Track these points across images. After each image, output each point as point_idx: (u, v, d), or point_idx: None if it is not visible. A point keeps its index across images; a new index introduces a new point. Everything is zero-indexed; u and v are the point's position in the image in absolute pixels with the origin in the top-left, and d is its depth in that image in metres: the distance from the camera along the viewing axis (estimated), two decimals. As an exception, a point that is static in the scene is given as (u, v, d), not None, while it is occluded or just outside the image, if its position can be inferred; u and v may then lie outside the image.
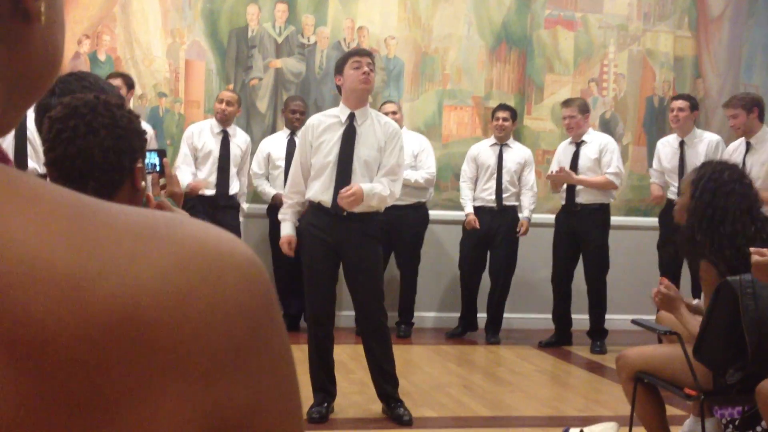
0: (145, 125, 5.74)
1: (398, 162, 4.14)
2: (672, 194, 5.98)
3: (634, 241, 6.43)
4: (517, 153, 6.27)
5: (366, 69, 4.04)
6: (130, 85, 5.53)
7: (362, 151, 4.07)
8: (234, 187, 5.93)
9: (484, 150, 6.30)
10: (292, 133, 6.10)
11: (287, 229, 4.19)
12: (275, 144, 6.18)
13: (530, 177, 6.26)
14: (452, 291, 6.57)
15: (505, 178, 6.19)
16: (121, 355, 0.46)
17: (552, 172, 6.19)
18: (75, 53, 6.17)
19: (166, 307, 0.48)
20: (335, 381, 4.23)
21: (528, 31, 6.91)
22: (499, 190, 6.18)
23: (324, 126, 4.12)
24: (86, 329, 0.46)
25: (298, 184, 4.18)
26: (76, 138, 1.73)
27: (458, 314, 6.38)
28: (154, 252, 0.49)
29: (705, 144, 5.96)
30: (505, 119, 6.22)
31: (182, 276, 0.49)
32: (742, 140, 5.63)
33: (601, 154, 6.06)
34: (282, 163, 6.07)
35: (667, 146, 6.14)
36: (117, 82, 5.46)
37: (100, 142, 1.74)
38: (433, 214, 6.35)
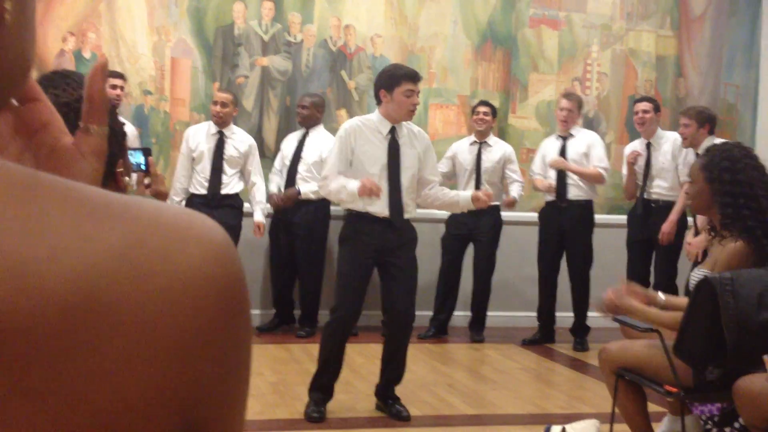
0: (126, 125, 5.69)
1: (435, 167, 4.46)
2: (644, 194, 6.08)
3: (616, 239, 6.49)
4: (496, 151, 6.28)
5: (417, 100, 4.22)
6: (119, 77, 5.57)
7: (407, 162, 4.24)
8: (234, 188, 5.94)
9: (463, 149, 6.32)
10: (305, 134, 6.13)
11: (353, 183, 4.10)
12: (288, 142, 6.22)
13: (514, 171, 6.27)
14: (435, 290, 6.60)
15: (484, 177, 6.21)
16: (80, 339, 0.45)
17: (533, 172, 6.24)
18: (60, 51, 6.16)
19: (125, 287, 0.46)
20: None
21: (513, 31, 6.95)
22: (477, 190, 6.18)
23: (366, 134, 4.21)
24: (41, 315, 0.44)
25: (338, 170, 4.19)
26: None
27: (443, 314, 6.39)
28: (109, 231, 0.47)
29: (670, 143, 6.05)
30: (485, 113, 6.26)
31: (140, 254, 0.47)
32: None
33: (589, 148, 6.13)
34: (288, 162, 6.10)
35: (632, 149, 6.22)
36: (118, 81, 5.47)
37: None
38: (418, 212, 6.36)
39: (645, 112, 6.04)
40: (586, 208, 6.14)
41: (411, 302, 4.27)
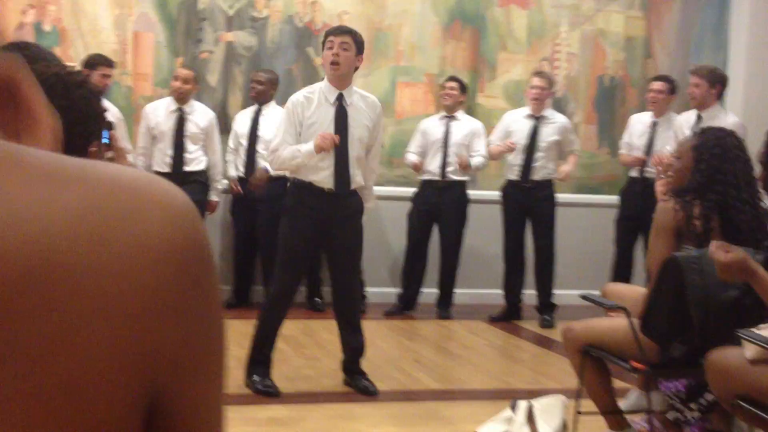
0: (108, 106, 5.63)
1: (380, 140, 4.36)
2: (636, 173, 6.06)
3: (584, 218, 6.51)
4: (465, 125, 6.24)
5: (336, 50, 4.03)
6: (110, 66, 5.48)
7: (356, 131, 4.11)
8: (199, 164, 5.89)
9: (433, 124, 6.28)
10: (258, 111, 6.04)
11: (307, 144, 4.03)
12: (240, 120, 6.13)
13: (481, 145, 6.20)
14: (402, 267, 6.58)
15: (452, 150, 6.15)
16: (38, 301, 0.45)
17: (493, 141, 6.19)
18: (19, 23, 6.00)
19: (84, 251, 0.46)
20: None
21: (481, 9, 6.91)
22: (444, 164, 6.16)
23: (313, 105, 4.10)
24: (1, 279, 0.44)
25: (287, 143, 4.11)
26: None
27: (410, 291, 6.37)
28: (66, 194, 0.47)
29: (677, 126, 5.99)
30: (452, 88, 6.21)
31: (98, 217, 0.47)
32: (693, 112, 5.67)
33: (564, 135, 6.15)
34: (245, 141, 6.02)
35: (638, 123, 6.18)
36: (107, 70, 5.39)
37: None
38: (385, 190, 6.34)
39: (659, 92, 6.00)
40: (548, 186, 6.15)
41: (356, 275, 4.24)
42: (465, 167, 6.10)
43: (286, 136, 4.10)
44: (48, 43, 5.89)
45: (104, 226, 0.47)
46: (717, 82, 5.56)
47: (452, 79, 6.32)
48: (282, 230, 4.18)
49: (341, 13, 6.63)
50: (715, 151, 3.23)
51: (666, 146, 5.75)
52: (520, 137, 6.12)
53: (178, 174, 5.73)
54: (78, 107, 1.67)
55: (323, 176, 4.07)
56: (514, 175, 6.16)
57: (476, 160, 6.15)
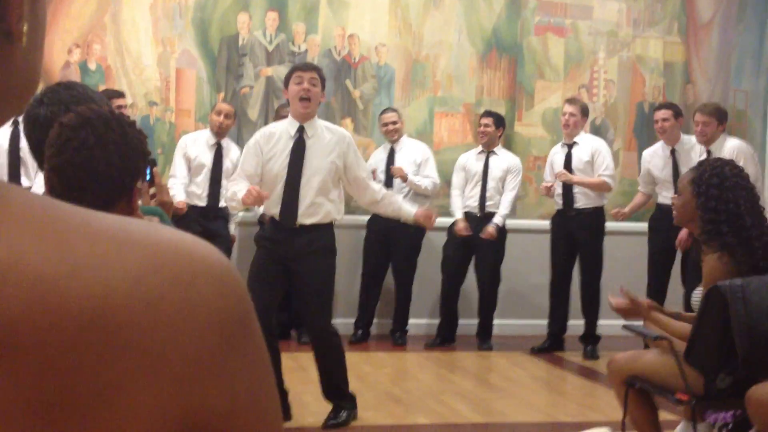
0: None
1: (363, 166, 4.22)
2: (665, 199, 6.00)
3: (625, 247, 6.44)
4: (503, 160, 6.26)
5: (306, 86, 3.99)
6: (122, 97, 5.55)
7: (314, 162, 4.03)
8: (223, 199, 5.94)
9: (472, 158, 6.31)
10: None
11: (242, 191, 3.95)
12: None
13: (511, 182, 6.21)
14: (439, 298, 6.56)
15: (490, 184, 6.18)
16: (92, 356, 0.46)
17: (545, 179, 6.21)
18: (65, 62, 6.16)
19: (138, 310, 0.48)
20: None
21: (518, 38, 6.93)
22: (483, 197, 6.16)
23: (275, 138, 4.08)
24: (58, 330, 0.46)
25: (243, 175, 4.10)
26: (83, 149, 1.71)
27: (448, 323, 6.34)
28: (128, 255, 0.49)
29: (697, 150, 5.95)
30: (487, 125, 6.22)
31: (155, 280, 0.49)
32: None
33: (594, 156, 6.09)
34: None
35: (656, 157, 6.12)
36: (121, 101, 5.45)
37: (107, 157, 1.72)
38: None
39: (665, 120, 5.96)
40: (595, 215, 6.10)
41: (326, 317, 4.07)
42: (491, 236, 6.04)
43: (245, 165, 4.11)
44: (93, 81, 6.04)
45: (159, 289, 0.49)
46: (724, 119, 5.70)
47: (487, 114, 6.33)
48: (251, 264, 4.17)
49: (378, 45, 6.69)
50: (713, 181, 3.23)
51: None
52: (558, 167, 6.12)
53: (211, 209, 5.79)
54: (132, 145, 1.76)
55: (278, 210, 4.04)
56: (559, 204, 6.15)
57: (504, 207, 6.15)
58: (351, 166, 4.09)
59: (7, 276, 0.46)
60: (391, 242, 6.12)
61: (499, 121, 6.30)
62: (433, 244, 6.43)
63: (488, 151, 6.27)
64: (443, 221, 6.38)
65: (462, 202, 6.26)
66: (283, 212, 4.01)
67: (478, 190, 6.18)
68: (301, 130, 4.07)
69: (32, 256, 0.46)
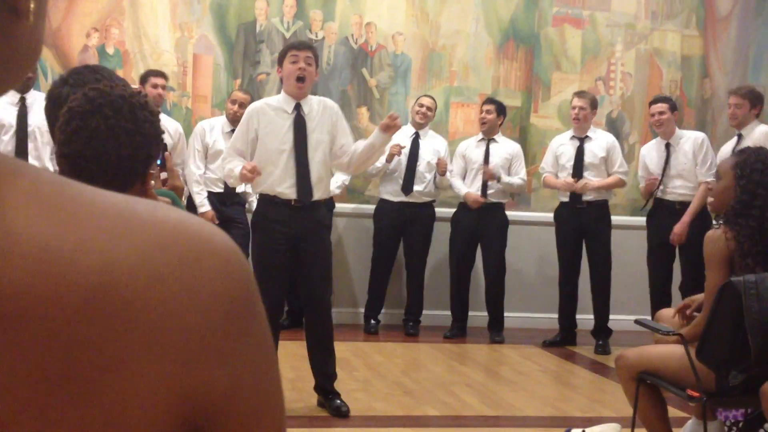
0: (168, 121, 5.69)
1: (349, 133, 4.30)
2: (662, 194, 5.98)
3: (639, 241, 6.42)
4: (504, 148, 6.23)
5: (302, 65, 4.04)
6: (162, 77, 5.56)
7: (314, 137, 4.10)
8: (241, 185, 5.94)
9: (472, 146, 6.29)
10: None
11: (238, 167, 4.05)
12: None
13: (520, 168, 6.20)
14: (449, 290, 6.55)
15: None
16: (96, 329, 0.46)
17: (545, 169, 6.15)
18: (84, 46, 6.18)
19: (143, 287, 0.48)
20: None
21: (535, 29, 6.90)
22: (484, 185, 6.13)
23: (270, 114, 4.11)
24: (62, 302, 0.46)
25: (236, 150, 4.15)
26: (93, 139, 1.66)
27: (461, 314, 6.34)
28: (135, 232, 0.49)
29: (691, 143, 5.92)
30: (488, 111, 6.19)
31: (161, 258, 0.49)
32: (734, 139, 5.69)
33: (609, 153, 6.06)
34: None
35: (652, 151, 6.09)
36: (159, 80, 5.46)
37: (117, 147, 1.67)
38: (438, 211, 6.35)
39: (661, 113, 5.92)
40: (602, 208, 6.08)
41: (327, 288, 4.16)
42: (491, 177, 6.06)
43: (236, 141, 4.14)
44: (111, 65, 6.05)
45: (164, 267, 0.49)
46: (757, 102, 5.60)
47: (489, 101, 6.29)
48: (252, 249, 4.17)
49: (395, 34, 6.68)
50: (757, 166, 3.23)
51: (683, 163, 5.82)
52: (567, 159, 6.08)
53: (229, 195, 5.81)
54: (143, 131, 1.71)
55: (285, 187, 4.06)
56: (565, 196, 6.11)
57: (512, 179, 6.13)
58: (342, 133, 4.18)
59: (13, 247, 0.46)
60: (404, 232, 6.12)
61: (501, 109, 6.27)
62: (444, 233, 6.43)
63: (488, 139, 6.24)
64: (447, 212, 6.37)
65: (463, 184, 6.23)
66: (299, 189, 4.05)
67: (479, 178, 6.16)
68: (297, 107, 4.11)
69: (39, 228, 0.47)
